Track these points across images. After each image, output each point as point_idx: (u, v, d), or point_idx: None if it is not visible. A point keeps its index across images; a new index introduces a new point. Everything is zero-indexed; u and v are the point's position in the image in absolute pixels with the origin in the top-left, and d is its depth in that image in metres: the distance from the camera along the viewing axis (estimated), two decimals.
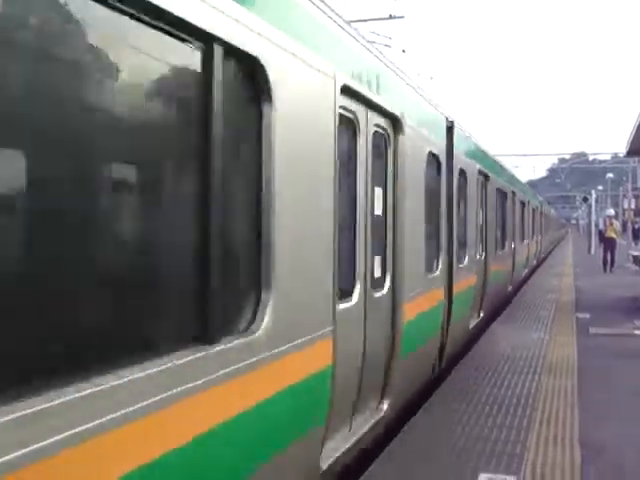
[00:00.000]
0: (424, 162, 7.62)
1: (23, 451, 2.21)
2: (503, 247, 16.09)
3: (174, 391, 2.95)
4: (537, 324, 13.14)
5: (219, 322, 3.35)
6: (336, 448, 5.14)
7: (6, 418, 2.16)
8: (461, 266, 10.08)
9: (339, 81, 4.90)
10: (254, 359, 3.64)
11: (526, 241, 22.91)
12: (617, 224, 30.62)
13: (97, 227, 2.85)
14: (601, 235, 31.68)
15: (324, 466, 4.81)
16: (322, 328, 4.60)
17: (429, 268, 7.90)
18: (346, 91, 5.14)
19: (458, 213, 10.01)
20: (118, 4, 2.75)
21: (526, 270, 23.43)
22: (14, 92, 2.40)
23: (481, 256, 12.44)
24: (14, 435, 2.19)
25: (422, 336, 7.54)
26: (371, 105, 5.86)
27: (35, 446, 2.25)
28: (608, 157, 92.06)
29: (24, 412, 2.23)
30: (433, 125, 8.31)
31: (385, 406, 6.35)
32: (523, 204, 22.14)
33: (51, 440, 2.31)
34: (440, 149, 8.57)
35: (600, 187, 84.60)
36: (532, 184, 70.74)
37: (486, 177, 13.11)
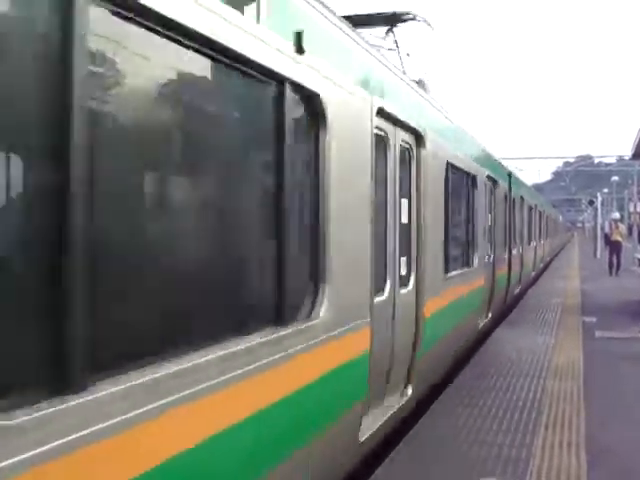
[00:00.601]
0: (503, 198, 14.99)
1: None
2: (529, 245, 22.57)
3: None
4: (543, 327, 13.10)
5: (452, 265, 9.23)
6: (479, 324, 11.53)
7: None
8: (513, 254, 16.81)
9: (488, 175, 12.16)
10: (474, 279, 10.76)
11: (542, 241, 29.63)
12: (623, 227, 30.56)
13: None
14: (607, 238, 31.58)
15: (479, 327, 11.45)
16: (483, 269, 11.74)
17: (503, 253, 14.98)
18: (488, 177, 12.30)
19: (512, 223, 16.93)
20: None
21: (542, 264, 29.63)
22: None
23: (520, 250, 18.99)
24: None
25: (501, 285, 14.35)
26: (491, 179, 13.02)
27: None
28: (613, 160, 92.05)
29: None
30: (504, 178, 15.57)
31: (490, 315, 12.81)
32: (541, 213, 29.31)
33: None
34: (506, 189, 15.73)
35: (606, 190, 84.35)
36: (537, 187, 70.69)
37: (522, 199, 20.26)
